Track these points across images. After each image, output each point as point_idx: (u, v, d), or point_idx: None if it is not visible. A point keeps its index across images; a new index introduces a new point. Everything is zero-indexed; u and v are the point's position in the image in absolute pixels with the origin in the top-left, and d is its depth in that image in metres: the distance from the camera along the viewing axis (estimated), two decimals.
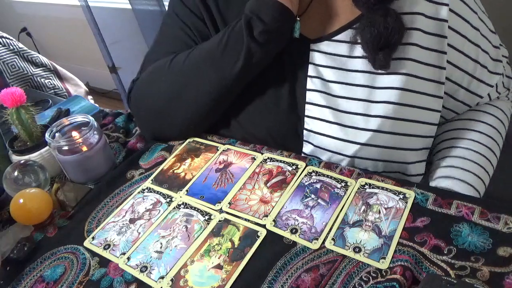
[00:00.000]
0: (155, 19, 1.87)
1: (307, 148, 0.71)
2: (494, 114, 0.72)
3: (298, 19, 0.68)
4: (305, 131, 0.70)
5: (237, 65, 0.66)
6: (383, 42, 0.60)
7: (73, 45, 2.70)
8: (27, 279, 0.59)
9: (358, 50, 0.65)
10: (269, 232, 0.57)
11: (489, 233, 0.51)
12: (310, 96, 0.69)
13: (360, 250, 0.52)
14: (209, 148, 0.75)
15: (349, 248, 0.52)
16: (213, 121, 0.77)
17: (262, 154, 0.71)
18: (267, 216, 0.59)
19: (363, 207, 0.57)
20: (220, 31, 0.73)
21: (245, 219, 0.60)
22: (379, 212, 0.56)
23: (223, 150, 0.73)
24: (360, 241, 0.53)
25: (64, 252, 0.62)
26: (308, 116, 0.69)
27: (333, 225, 0.56)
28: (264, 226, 0.58)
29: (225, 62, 0.67)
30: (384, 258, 0.51)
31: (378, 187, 0.60)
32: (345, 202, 0.59)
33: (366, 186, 0.61)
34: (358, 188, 0.61)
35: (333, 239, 0.54)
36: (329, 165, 0.66)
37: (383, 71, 0.64)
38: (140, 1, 1.89)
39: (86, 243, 0.62)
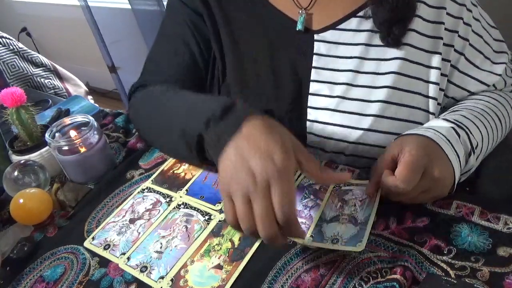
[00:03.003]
0: (154, 19, 1.88)
1: (310, 140, 0.71)
2: (499, 94, 0.71)
3: (304, 12, 0.68)
4: (308, 122, 0.70)
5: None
6: (400, 16, 0.62)
7: (73, 45, 2.70)
8: (27, 279, 0.59)
9: (362, 37, 0.66)
10: None
11: (489, 233, 0.51)
12: (314, 87, 0.69)
13: (338, 241, 0.52)
14: None
15: (328, 241, 0.53)
16: None
17: None
18: None
19: (339, 203, 0.58)
20: (219, 27, 0.74)
21: None
22: (355, 205, 0.57)
23: None
24: (338, 233, 0.53)
25: (64, 252, 0.62)
26: (310, 107, 0.69)
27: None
28: None
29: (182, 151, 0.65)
30: (361, 241, 0.51)
31: (352, 184, 0.61)
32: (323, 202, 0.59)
33: (342, 184, 0.62)
34: (334, 187, 0.61)
35: (311, 236, 0.54)
36: (329, 165, 0.66)
37: (384, 57, 0.65)
38: (140, 1, 1.89)
39: (86, 243, 0.62)
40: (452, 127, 0.59)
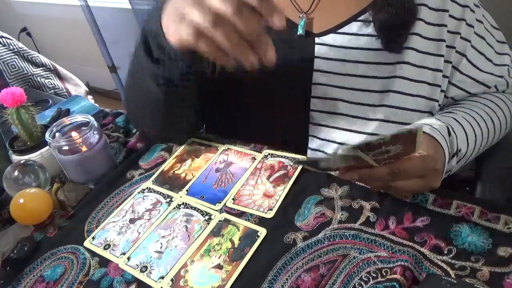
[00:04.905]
0: None
1: (312, 143, 0.71)
2: (498, 96, 0.71)
3: (304, 17, 0.68)
4: (311, 125, 0.70)
5: (150, 83, 0.63)
6: (400, 22, 0.62)
7: (73, 45, 2.70)
8: (27, 279, 0.59)
9: (363, 41, 0.66)
10: (269, 232, 0.57)
11: (489, 233, 0.51)
12: (315, 90, 0.69)
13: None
14: (209, 148, 0.75)
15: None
16: (194, 120, 0.76)
17: (262, 153, 0.71)
18: (271, 209, 0.60)
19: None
20: None
21: (249, 214, 0.60)
22: None
23: (223, 150, 0.74)
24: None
25: (64, 252, 0.62)
26: (313, 110, 0.69)
27: None
28: (269, 219, 0.59)
29: (141, 79, 0.65)
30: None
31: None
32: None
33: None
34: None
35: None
36: None
37: (387, 61, 0.65)
38: (140, 1, 1.89)
39: (86, 243, 0.62)
40: (446, 126, 0.59)
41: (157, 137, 0.78)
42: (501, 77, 0.69)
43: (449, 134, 0.58)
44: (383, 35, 0.64)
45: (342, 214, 0.57)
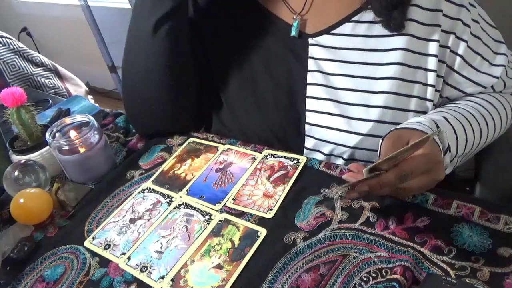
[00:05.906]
0: None
1: (309, 143, 0.71)
2: (494, 96, 0.70)
3: (298, 18, 0.68)
4: (307, 126, 0.70)
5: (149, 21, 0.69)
6: (396, 1, 0.61)
7: (73, 45, 2.70)
8: (27, 279, 0.59)
9: (356, 42, 0.66)
10: (269, 232, 0.57)
11: (489, 233, 0.51)
12: (311, 90, 0.69)
13: None
14: (209, 148, 0.75)
15: None
16: (187, 105, 0.78)
17: (262, 154, 0.71)
18: (271, 209, 0.60)
19: None
20: (215, 30, 0.75)
21: (249, 214, 0.60)
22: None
23: (223, 150, 0.74)
24: None
25: (64, 252, 0.62)
26: (309, 110, 0.70)
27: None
28: (269, 219, 0.59)
29: (140, 22, 0.71)
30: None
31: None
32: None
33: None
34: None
35: None
36: (329, 166, 0.66)
37: (380, 62, 0.65)
38: None
39: (86, 243, 0.62)
40: (434, 122, 0.59)
41: (159, 122, 0.78)
42: (498, 77, 0.69)
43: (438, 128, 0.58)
44: (384, 17, 0.63)
45: (342, 214, 0.57)
